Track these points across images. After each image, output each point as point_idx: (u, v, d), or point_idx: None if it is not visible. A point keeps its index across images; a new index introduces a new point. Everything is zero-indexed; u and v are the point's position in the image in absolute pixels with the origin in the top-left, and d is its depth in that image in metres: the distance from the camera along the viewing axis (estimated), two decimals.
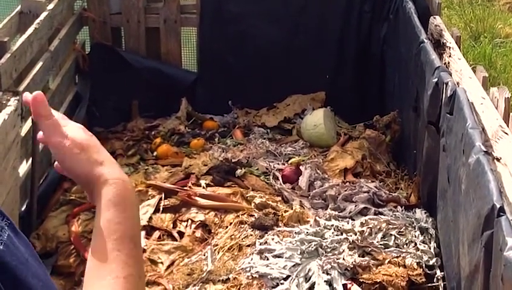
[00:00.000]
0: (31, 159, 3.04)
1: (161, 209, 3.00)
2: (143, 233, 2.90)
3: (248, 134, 3.82)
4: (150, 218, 2.96)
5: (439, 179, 2.60)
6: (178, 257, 2.72)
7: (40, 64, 3.18)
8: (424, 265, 2.54)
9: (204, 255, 2.71)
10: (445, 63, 2.92)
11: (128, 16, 4.01)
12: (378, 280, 2.45)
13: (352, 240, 2.62)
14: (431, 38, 3.13)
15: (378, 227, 2.71)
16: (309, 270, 2.50)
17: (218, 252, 2.70)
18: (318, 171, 3.32)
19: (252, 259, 2.60)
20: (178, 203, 3.02)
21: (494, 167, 1.99)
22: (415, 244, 2.65)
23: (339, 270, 2.48)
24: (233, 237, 2.77)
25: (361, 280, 2.47)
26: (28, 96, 1.04)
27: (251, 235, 2.77)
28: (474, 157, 1.95)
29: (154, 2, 4.06)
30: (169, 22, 4.02)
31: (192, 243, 2.81)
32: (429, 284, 2.50)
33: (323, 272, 2.48)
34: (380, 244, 2.63)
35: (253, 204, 2.97)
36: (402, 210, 2.94)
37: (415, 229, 2.74)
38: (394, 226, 2.73)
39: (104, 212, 0.98)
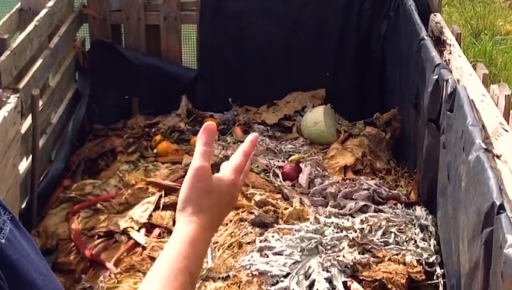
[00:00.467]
0: (31, 156, 3.04)
1: (161, 206, 3.00)
2: (143, 230, 2.91)
3: (248, 131, 3.81)
4: (150, 215, 2.96)
5: (439, 176, 2.60)
6: None
7: (40, 61, 3.18)
8: (424, 262, 2.54)
9: None
10: (445, 60, 2.91)
11: (128, 13, 4.01)
12: (378, 278, 2.45)
13: (352, 238, 2.61)
14: (431, 36, 3.12)
15: (378, 224, 2.71)
16: (309, 267, 2.50)
17: (218, 250, 2.70)
18: (318, 168, 3.32)
19: (252, 256, 2.60)
20: None
21: (494, 164, 1.99)
22: (415, 241, 2.65)
23: (339, 267, 2.48)
24: (233, 234, 2.77)
25: (361, 277, 2.47)
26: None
27: (251, 232, 2.77)
28: (474, 154, 1.95)
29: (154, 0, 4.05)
30: (169, 19, 4.02)
31: None
32: (429, 282, 2.50)
33: (323, 270, 2.48)
34: (380, 242, 2.63)
35: (253, 201, 2.96)
36: (402, 207, 2.94)
37: (415, 226, 2.74)
38: (394, 224, 2.73)
39: (178, 244, 1.05)
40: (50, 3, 3.43)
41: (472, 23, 6.39)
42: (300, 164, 3.33)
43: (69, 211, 3.07)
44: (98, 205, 3.07)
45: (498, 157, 2.06)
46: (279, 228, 2.77)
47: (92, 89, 3.91)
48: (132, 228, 2.91)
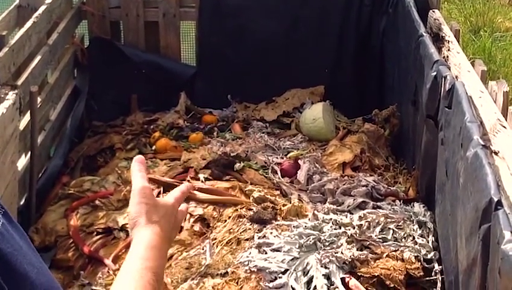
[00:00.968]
0: (29, 153, 3.04)
1: None
2: None
3: (247, 128, 3.82)
4: None
5: (438, 172, 2.60)
6: (176, 250, 2.72)
7: (38, 58, 3.17)
8: (422, 259, 2.54)
9: (202, 249, 2.71)
10: (444, 57, 2.91)
11: (127, 10, 4.01)
12: (376, 274, 2.45)
13: (351, 234, 2.62)
14: (430, 32, 3.12)
15: (377, 221, 2.71)
16: (307, 264, 2.51)
17: (217, 246, 2.70)
18: (317, 165, 3.32)
19: (250, 253, 2.60)
20: None
21: (492, 161, 1.99)
22: (413, 238, 2.65)
23: (337, 264, 2.49)
24: (231, 231, 2.77)
25: (359, 274, 2.47)
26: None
27: (249, 229, 2.77)
28: (472, 151, 1.95)
29: None
30: (168, 15, 4.02)
31: (190, 237, 2.81)
32: (427, 278, 2.50)
33: (321, 266, 2.48)
34: (378, 238, 2.63)
35: (251, 198, 2.96)
36: (400, 204, 2.94)
37: (413, 223, 2.74)
38: (392, 220, 2.73)
39: (140, 251, 1.14)
40: (49, 0, 3.43)
41: (471, 19, 6.39)
42: (299, 161, 3.33)
43: (68, 207, 3.07)
44: (97, 202, 3.07)
45: (496, 153, 2.06)
46: (277, 225, 2.77)
47: (90, 86, 3.91)
48: None
